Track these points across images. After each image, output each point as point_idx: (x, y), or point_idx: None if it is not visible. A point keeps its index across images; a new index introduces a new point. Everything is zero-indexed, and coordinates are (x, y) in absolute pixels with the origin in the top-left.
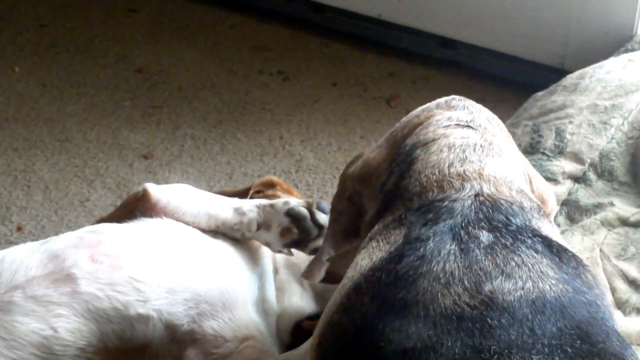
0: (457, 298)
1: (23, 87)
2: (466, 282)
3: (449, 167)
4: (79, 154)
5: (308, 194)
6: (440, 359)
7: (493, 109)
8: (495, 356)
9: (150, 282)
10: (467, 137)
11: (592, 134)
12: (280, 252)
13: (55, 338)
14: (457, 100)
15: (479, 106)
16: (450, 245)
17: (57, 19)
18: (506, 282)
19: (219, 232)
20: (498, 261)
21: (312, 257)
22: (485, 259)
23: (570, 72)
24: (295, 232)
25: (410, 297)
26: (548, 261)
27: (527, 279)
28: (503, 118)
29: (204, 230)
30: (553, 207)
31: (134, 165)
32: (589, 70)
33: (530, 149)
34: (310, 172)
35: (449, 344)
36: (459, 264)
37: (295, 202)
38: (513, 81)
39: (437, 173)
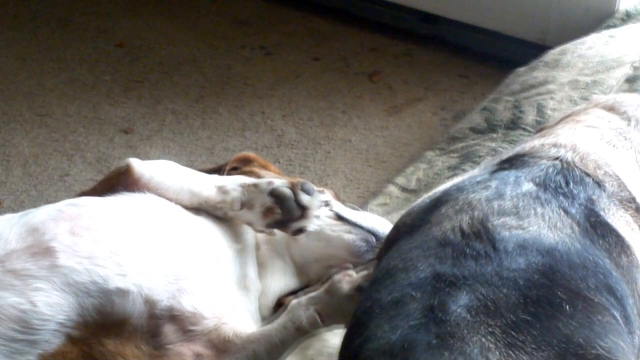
0: (456, 224)
1: (2, 60)
2: (476, 213)
3: (552, 138)
4: (58, 129)
5: (289, 169)
6: (406, 280)
7: (475, 84)
8: (447, 285)
9: (131, 256)
10: (595, 127)
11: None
12: (262, 232)
13: (34, 312)
14: (625, 105)
15: None
16: (493, 184)
17: None
18: (513, 220)
19: (201, 209)
20: (519, 205)
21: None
22: (509, 201)
23: (552, 48)
24: (278, 212)
25: (429, 217)
26: (574, 224)
27: (535, 224)
28: (485, 93)
29: (186, 207)
30: None
31: (114, 139)
32: (570, 46)
33: (512, 125)
34: (291, 147)
35: (421, 267)
36: (484, 198)
37: (280, 182)
38: (495, 57)
39: (541, 141)
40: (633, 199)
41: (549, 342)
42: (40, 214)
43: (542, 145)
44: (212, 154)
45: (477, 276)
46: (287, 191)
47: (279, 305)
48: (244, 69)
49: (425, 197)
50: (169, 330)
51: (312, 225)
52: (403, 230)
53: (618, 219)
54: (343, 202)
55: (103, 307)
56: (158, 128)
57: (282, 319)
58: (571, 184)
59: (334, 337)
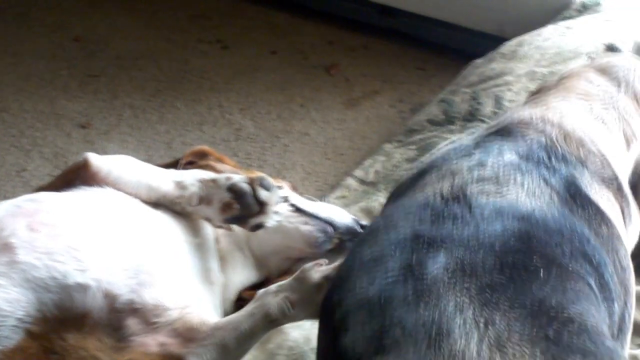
0: (438, 189)
1: None
2: (457, 180)
3: (542, 110)
4: (15, 124)
5: (248, 163)
6: (386, 239)
7: (432, 76)
8: (426, 245)
9: (89, 251)
10: (586, 98)
11: None
12: (220, 227)
13: None
14: (617, 68)
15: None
16: (476, 152)
17: None
18: (492, 187)
19: (160, 204)
20: (500, 173)
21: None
22: (490, 169)
23: (509, 39)
24: (237, 207)
25: (414, 184)
26: (553, 193)
27: (514, 191)
28: (442, 85)
29: (145, 202)
30: None
31: (71, 134)
32: (527, 37)
33: (469, 116)
34: (249, 140)
35: (401, 227)
36: (466, 166)
37: (238, 177)
38: (452, 49)
39: (531, 112)
40: (615, 178)
41: (523, 303)
42: None
43: (531, 117)
44: (170, 148)
45: (454, 239)
46: (246, 187)
47: (240, 299)
48: (201, 63)
49: (414, 166)
50: (131, 323)
51: (270, 221)
52: (391, 197)
53: (600, 196)
54: (301, 194)
55: (62, 303)
56: (116, 123)
57: (250, 306)
58: (553, 159)
59: (294, 330)
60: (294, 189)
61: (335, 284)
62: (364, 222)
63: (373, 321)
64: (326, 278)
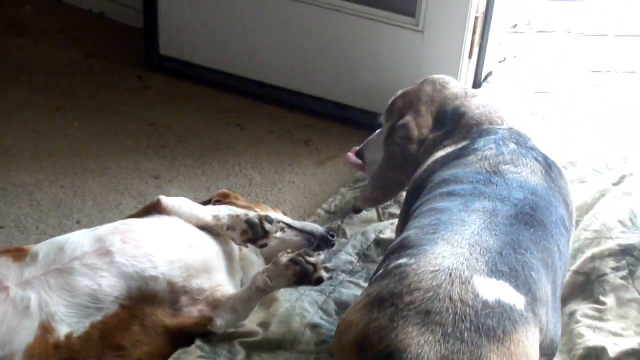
0: (482, 166)
1: (81, 135)
2: (491, 161)
3: (494, 112)
4: (115, 176)
5: (256, 200)
6: (456, 186)
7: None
8: (479, 194)
9: (159, 256)
10: (487, 100)
11: None
12: (240, 245)
13: (100, 291)
14: (446, 81)
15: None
16: (492, 146)
17: (102, 94)
18: (512, 168)
19: (204, 228)
20: (514, 158)
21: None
22: (507, 155)
23: None
24: (250, 234)
25: (460, 160)
26: (541, 167)
27: (524, 170)
28: None
29: (195, 226)
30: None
31: (149, 183)
32: None
33: None
34: (257, 186)
35: (465, 182)
36: (493, 154)
37: (253, 214)
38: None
39: (487, 114)
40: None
41: (506, 237)
42: (103, 230)
43: (491, 122)
44: (208, 191)
45: (495, 194)
46: (257, 221)
47: None
48: (228, 139)
49: (449, 150)
50: (183, 299)
51: (271, 243)
52: (441, 163)
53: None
54: (290, 217)
55: (142, 287)
56: (175, 175)
57: (249, 283)
58: (527, 141)
59: (286, 302)
60: (284, 214)
61: (423, 202)
62: (332, 232)
63: (433, 217)
64: (290, 260)
